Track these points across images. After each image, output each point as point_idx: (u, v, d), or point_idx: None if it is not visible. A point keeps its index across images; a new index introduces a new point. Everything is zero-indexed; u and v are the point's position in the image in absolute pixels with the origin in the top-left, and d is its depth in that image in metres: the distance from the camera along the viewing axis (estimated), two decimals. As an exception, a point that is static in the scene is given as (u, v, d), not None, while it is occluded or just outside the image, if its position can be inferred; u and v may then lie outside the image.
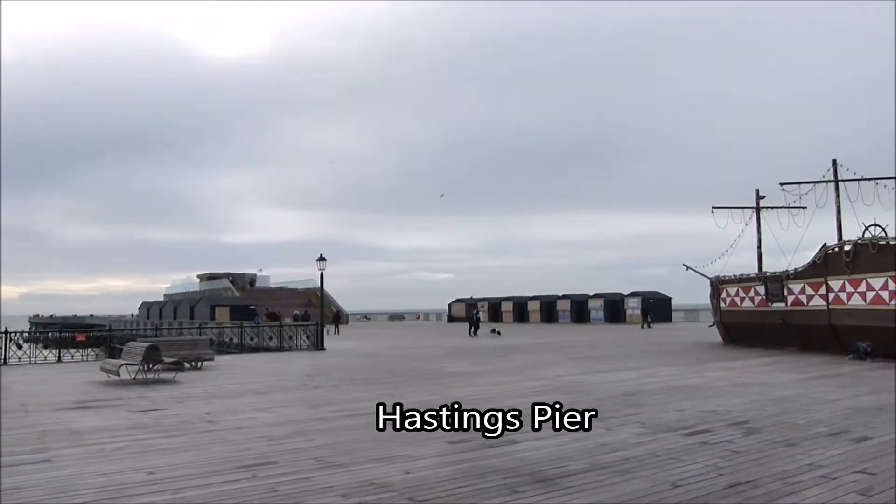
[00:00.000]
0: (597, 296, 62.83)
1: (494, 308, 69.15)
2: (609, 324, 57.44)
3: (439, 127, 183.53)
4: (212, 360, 21.25)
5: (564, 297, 65.86)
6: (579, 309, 62.84)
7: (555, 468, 7.23)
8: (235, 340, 33.90)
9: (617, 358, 22.08)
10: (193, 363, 20.07)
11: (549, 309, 65.13)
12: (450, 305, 79.91)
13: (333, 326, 47.79)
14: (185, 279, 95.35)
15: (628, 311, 58.77)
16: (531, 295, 69.52)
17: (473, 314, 43.82)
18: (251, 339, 32.40)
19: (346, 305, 77.24)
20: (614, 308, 60.08)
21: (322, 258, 31.61)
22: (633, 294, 59.88)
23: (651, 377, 16.12)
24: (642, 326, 46.88)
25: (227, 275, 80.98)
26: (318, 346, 28.87)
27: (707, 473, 6.93)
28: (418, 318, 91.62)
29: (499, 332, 40.71)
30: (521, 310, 67.55)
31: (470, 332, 39.68)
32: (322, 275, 32.45)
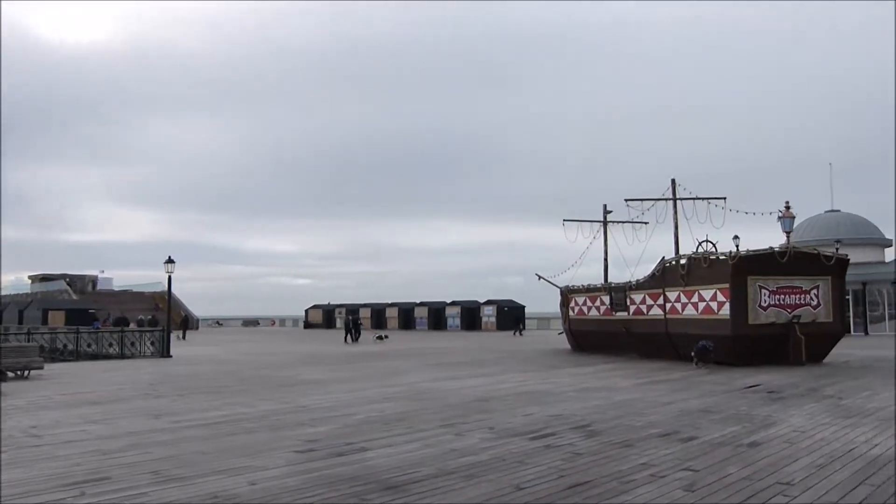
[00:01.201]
0: (454, 303, 63.94)
1: (378, 314, 68.20)
2: (465, 331, 58.59)
3: (303, 130, 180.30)
4: (41, 368, 19.62)
5: (422, 304, 66.53)
6: (437, 316, 63.68)
7: (404, 475, 7.23)
8: (70, 347, 31.53)
9: (471, 364, 22.55)
10: (19, 372, 18.48)
11: (406, 316, 65.57)
12: (307, 311, 78.58)
13: (181, 332, 45.62)
14: (13, 280, 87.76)
15: (484, 319, 60.26)
16: (390, 301, 69.68)
17: (350, 320, 43.43)
18: (89, 345, 30.27)
19: (198, 310, 74.16)
20: (471, 315, 61.40)
21: (170, 260, 30.08)
22: (488, 302, 61.46)
23: (503, 383, 16.57)
24: (514, 334, 48.06)
25: (63, 276, 75.28)
26: (164, 352, 27.44)
27: (549, 475, 7.18)
28: (273, 324, 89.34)
29: (385, 337, 40.93)
30: (378, 316, 67.50)
31: (347, 339, 39.13)
32: (170, 278, 30.89)
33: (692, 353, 19.77)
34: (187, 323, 52.26)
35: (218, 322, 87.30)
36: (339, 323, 72.62)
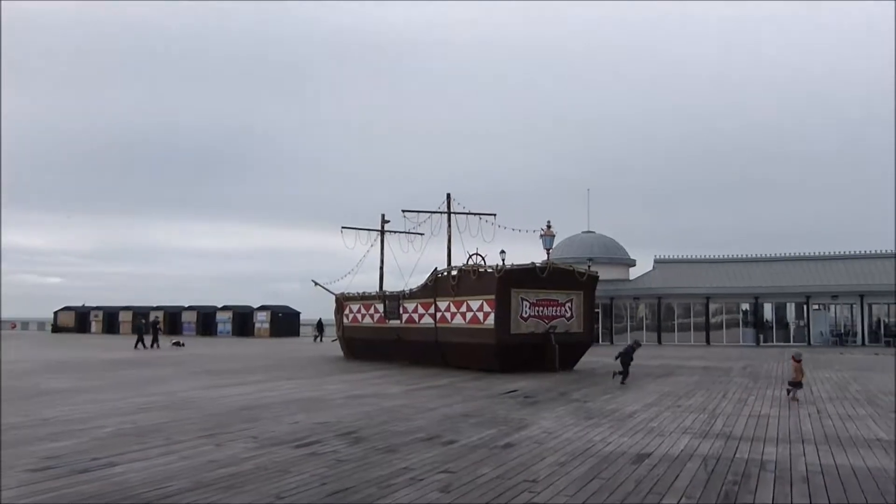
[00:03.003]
0: (225, 308, 61.47)
1: (173, 318, 62.90)
2: (237, 337, 56.52)
3: (62, 118, 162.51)
4: None
5: (190, 308, 63.15)
6: (206, 321, 60.81)
7: (155, 490, 6.77)
8: None
9: (240, 372, 21.79)
10: None
11: (173, 320, 61.83)
12: (56, 314, 71.32)
13: None
14: None
15: (257, 325, 58.56)
16: (154, 305, 65.33)
17: (144, 324, 39.66)
18: None
19: (-82, 311, 64.09)
20: (243, 321, 59.39)
21: None
22: (262, 307, 59.87)
23: (272, 391, 16.18)
24: (315, 340, 46.95)
25: None
26: None
27: (312, 483, 7.11)
28: (14, 326, 79.80)
29: (182, 344, 37.91)
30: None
31: (139, 345, 35.70)
32: None
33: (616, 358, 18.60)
34: None
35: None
36: (96, 327, 66.85)
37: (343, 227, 31.91)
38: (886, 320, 43.88)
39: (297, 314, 59.56)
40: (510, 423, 11.16)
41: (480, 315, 22.11)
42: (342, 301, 30.86)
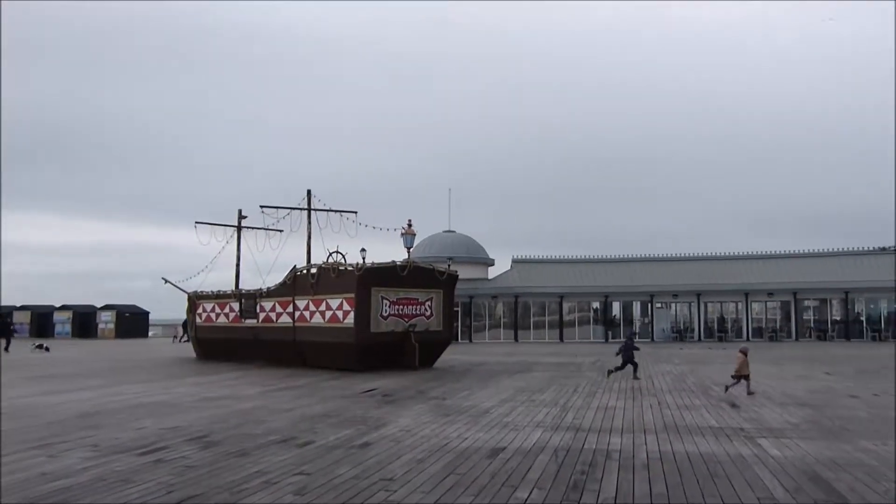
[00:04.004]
0: (64, 307, 57.27)
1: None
2: (78, 338, 52.85)
3: None
4: None
5: (23, 307, 58.32)
6: (41, 321, 56.40)
7: (-25, 507, 6.17)
8: None
9: (81, 375, 20.37)
10: None
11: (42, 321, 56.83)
12: None
13: None
14: None
15: (101, 325, 55.04)
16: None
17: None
18: None
19: None
20: (84, 321, 55.57)
21: None
22: (107, 307, 56.31)
23: (116, 395, 15.20)
24: (178, 341, 44.09)
25: None
26: None
27: (157, 492, 6.72)
28: None
29: (46, 349, 34.29)
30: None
31: None
32: None
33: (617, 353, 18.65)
34: None
35: None
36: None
37: (197, 223, 30.66)
38: (721, 317, 47.64)
39: (146, 314, 56.48)
40: (368, 423, 11.10)
41: (340, 314, 21.88)
42: (195, 300, 29.59)
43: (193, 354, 29.91)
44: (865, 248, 48.63)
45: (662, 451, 8.69)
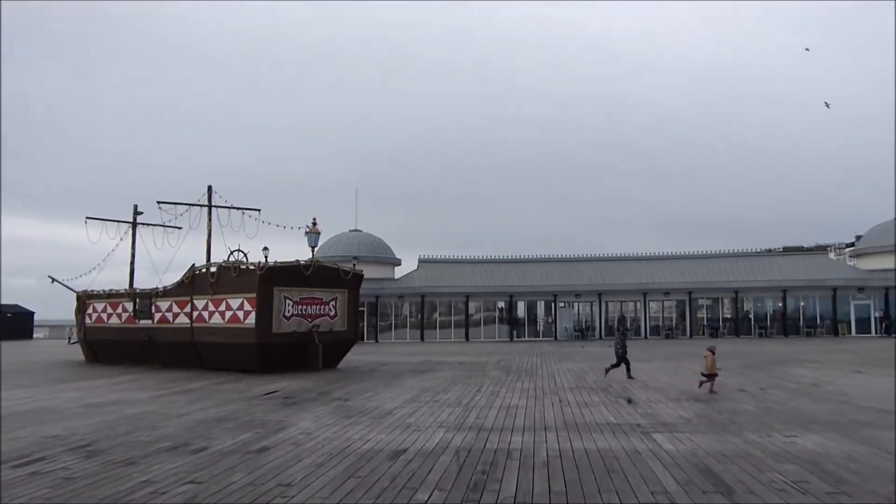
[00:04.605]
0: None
1: None
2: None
3: None
4: None
5: None
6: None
7: None
8: None
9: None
10: None
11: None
12: None
13: None
14: None
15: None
16: None
17: None
18: None
19: None
20: (-40, 323, 51.84)
21: None
22: (-14, 307, 52.70)
23: (-8, 402, 14.17)
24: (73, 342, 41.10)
25: None
26: None
27: (31, 507, 6.25)
28: None
29: None
30: None
31: None
32: None
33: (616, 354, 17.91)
34: None
35: None
36: None
37: (88, 218, 29.07)
38: (621, 315, 49.16)
39: (31, 314, 53.24)
40: (267, 426, 10.76)
41: (241, 314, 21.23)
42: (85, 299, 28.07)
43: (82, 357, 28.40)
44: (754, 251, 51.50)
45: (562, 448, 8.80)
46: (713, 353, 14.86)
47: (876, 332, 44.45)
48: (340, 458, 8.32)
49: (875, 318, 45.15)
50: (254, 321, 20.83)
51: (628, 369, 17.70)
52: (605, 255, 51.10)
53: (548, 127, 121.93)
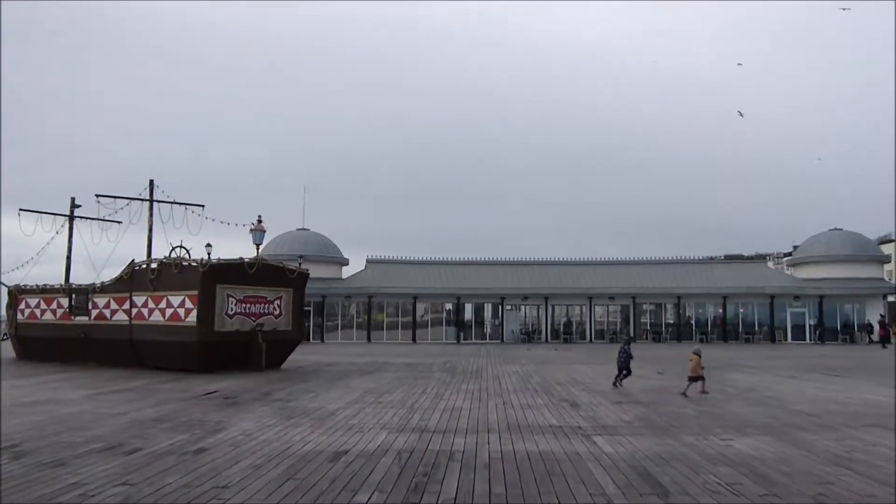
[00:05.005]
0: None
1: None
2: None
3: None
4: None
5: None
6: None
7: None
8: None
9: None
10: None
11: None
12: None
13: None
14: None
15: None
16: None
17: None
18: None
19: None
20: None
21: None
22: None
23: (-87, 400, 13.54)
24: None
25: None
26: None
27: (-51, 510, 5.97)
28: None
29: None
30: None
31: None
32: None
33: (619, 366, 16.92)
34: None
35: None
36: None
37: (22, 210, 28.09)
38: (566, 319, 49.75)
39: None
40: (205, 427, 10.52)
41: (182, 311, 20.76)
42: (17, 294, 27.09)
43: (13, 354, 27.40)
44: (697, 258, 52.69)
45: (504, 450, 8.81)
46: (699, 357, 14.90)
47: (810, 340, 46.05)
48: (280, 459, 8.17)
49: (810, 325, 46.77)
50: (195, 319, 20.38)
51: (618, 376, 16.75)
52: (553, 259, 51.62)
53: (500, 129, 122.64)
